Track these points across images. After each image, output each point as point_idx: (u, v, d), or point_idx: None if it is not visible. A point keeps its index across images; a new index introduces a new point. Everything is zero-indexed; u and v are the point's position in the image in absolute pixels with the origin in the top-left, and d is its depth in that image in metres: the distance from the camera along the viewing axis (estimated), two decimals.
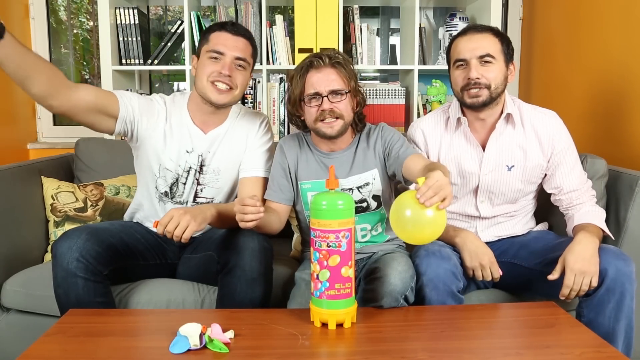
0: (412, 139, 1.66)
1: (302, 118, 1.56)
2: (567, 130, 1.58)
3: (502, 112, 1.55)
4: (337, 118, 1.48)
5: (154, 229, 1.37)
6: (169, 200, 1.62)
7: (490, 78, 1.48)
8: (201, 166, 1.61)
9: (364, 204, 1.56)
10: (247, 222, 1.28)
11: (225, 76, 1.50)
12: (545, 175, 1.59)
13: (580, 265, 1.33)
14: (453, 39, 1.55)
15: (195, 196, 1.63)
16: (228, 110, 1.63)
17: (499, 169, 1.57)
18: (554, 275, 1.37)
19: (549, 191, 1.60)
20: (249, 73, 1.58)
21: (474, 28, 1.52)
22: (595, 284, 1.33)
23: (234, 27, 1.54)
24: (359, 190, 1.55)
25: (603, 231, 1.50)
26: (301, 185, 1.59)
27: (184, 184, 1.61)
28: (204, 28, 2.31)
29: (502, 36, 1.52)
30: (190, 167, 1.60)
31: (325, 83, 1.47)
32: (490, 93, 1.48)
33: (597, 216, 1.52)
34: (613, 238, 1.56)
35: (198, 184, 1.62)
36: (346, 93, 1.49)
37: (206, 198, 1.64)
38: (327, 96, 1.47)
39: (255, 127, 1.65)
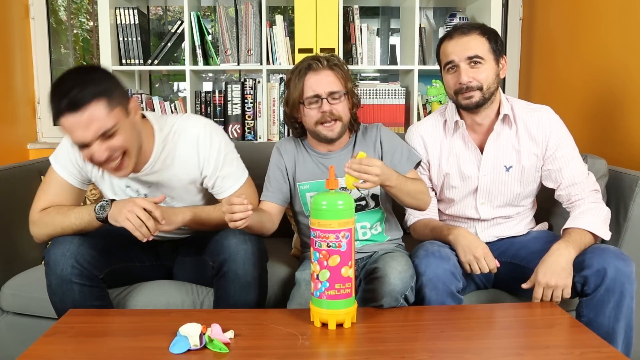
0: (410, 145, 1.65)
1: (300, 121, 1.57)
2: (561, 124, 1.55)
3: (498, 112, 1.55)
4: (336, 120, 1.49)
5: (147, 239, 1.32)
6: None
7: (482, 79, 1.47)
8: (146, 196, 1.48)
9: (363, 202, 1.57)
10: (237, 221, 1.26)
11: None
12: (546, 171, 1.56)
13: (548, 279, 1.34)
14: (441, 41, 1.55)
15: None
16: (151, 142, 1.42)
17: (497, 170, 1.57)
18: (527, 285, 1.39)
19: (550, 187, 1.58)
20: None
21: (460, 29, 1.50)
22: (567, 295, 1.34)
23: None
24: (357, 189, 1.55)
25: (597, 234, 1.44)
26: (299, 186, 1.59)
27: (146, 195, 1.50)
28: (204, 28, 2.31)
29: (489, 33, 1.50)
30: (138, 194, 1.49)
31: (324, 85, 1.48)
32: (482, 94, 1.48)
33: (592, 216, 1.46)
34: (607, 239, 1.50)
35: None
36: (344, 94, 1.50)
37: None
38: (326, 98, 1.48)
39: (201, 146, 1.45)
